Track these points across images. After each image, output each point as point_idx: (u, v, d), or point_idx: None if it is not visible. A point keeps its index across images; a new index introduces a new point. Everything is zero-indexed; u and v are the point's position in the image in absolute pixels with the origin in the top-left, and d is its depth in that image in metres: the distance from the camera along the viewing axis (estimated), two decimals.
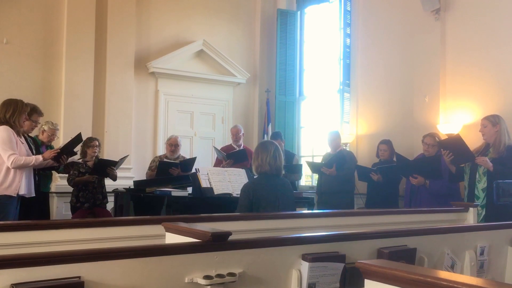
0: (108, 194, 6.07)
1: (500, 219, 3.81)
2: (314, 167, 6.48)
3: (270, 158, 3.72)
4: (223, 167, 6.20)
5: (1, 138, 4.20)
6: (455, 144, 4.77)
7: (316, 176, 7.37)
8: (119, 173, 6.12)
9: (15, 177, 4.24)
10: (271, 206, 3.65)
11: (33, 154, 4.57)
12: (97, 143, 5.98)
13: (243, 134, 7.01)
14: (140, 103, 7.91)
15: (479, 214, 4.48)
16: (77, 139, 4.90)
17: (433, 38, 6.43)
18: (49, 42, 7.24)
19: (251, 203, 3.67)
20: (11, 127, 4.28)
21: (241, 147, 6.80)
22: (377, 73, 7.27)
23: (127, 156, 6.37)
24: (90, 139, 6.00)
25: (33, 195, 4.50)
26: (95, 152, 5.93)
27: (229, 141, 7.53)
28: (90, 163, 5.85)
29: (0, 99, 4.58)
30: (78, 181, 5.76)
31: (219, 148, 6.87)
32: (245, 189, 3.78)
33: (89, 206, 5.79)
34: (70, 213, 6.13)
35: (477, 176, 4.64)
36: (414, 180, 5.31)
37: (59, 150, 4.62)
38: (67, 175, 5.86)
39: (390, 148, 6.14)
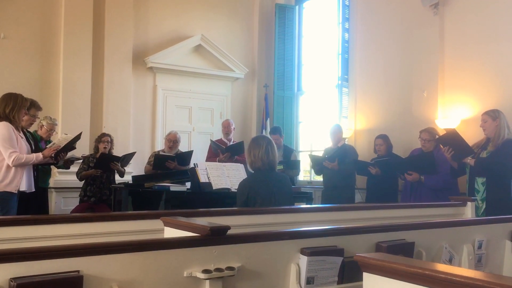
0: None
1: (501, 212, 3.82)
2: (317, 161, 6.48)
3: (262, 154, 3.67)
4: (219, 160, 6.21)
5: (1, 135, 4.16)
6: (453, 139, 4.79)
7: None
8: None
9: (16, 174, 4.21)
10: (266, 202, 3.62)
11: (32, 150, 4.55)
12: (109, 139, 6.22)
13: (234, 128, 7.02)
14: (138, 98, 7.89)
15: (479, 208, 4.51)
16: (77, 138, 4.91)
17: (432, 33, 6.43)
18: (47, 37, 7.22)
19: (247, 200, 3.64)
20: (11, 122, 4.23)
21: (231, 142, 6.81)
22: (376, 68, 7.26)
23: (134, 152, 6.41)
24: (103, 135, 6.31)
25: (33, 190, 4.49)
26: (106, 147, 6.14)
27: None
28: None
29: None
30: (84, 175, 5.96)
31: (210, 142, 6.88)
32: (241, 186, 3.77)
33: (95, 201, 5.90)
34: (70, 207, 6.20)
35: None
36: (409, 177, 5.36)
37: (59, 149, 4.61)
38: (66, 170, 5.92)
39: (386, 142, 6.16)
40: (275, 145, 3.81)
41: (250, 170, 3.91)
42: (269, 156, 3.70)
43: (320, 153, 6.90)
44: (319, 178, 7.12)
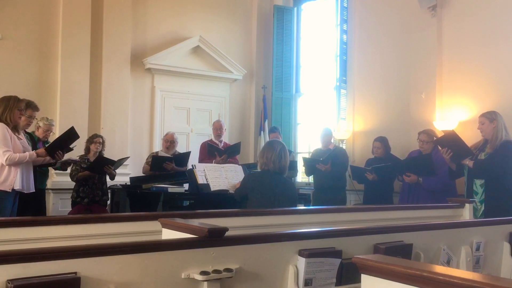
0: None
1: (499, 214, 3.83)
2: (309, 163, 6.48)
3: (275, 157, 3.80)
4: (216, 162, 6.19)
5: None
6: (451, 141, 4.78)
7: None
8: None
9: (10, 172, 4.24)
10: (266, 200, 3.68)
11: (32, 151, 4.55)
12: (101, 140, 6.14)
13: (225, 129, 7.01)
14: (136, 99, 7.88)
15: (478, 209, 4.51)
16: (70, 133, 4.76)
17: (430, 35, 6.44)
18: (45, 38, 7.21)
19: (246, 190, 3.86)
20: (5, 124, 4.26)
21: (222, 143, 6.80)
22: (374, 70, 7.28)
23: (127, 157, 6.38)
24: (95, 136, 6.23)
25: (33, 190, 4.49)
26: (98, 148, 6.07)
27: (223, 137, 7.48)
28: (92, 159, 5.96)
29: None
30: (81, 176, 5.90)
31: (201, 143, 6.87)
32: (246, 177, 4.05)
33: (88, 202, 5.88)
34: (68, 208, 6.17)
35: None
36: (407, 178, 5.36)
37: (54, 145, 4.58)
38: (63, 171, 5.90)
39: (384, 145, 6.16)
40: (287, 152, 3.93)
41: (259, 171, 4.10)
42: (281, 161, 3.83)
43: (311, 155, 6.89)
44: None
